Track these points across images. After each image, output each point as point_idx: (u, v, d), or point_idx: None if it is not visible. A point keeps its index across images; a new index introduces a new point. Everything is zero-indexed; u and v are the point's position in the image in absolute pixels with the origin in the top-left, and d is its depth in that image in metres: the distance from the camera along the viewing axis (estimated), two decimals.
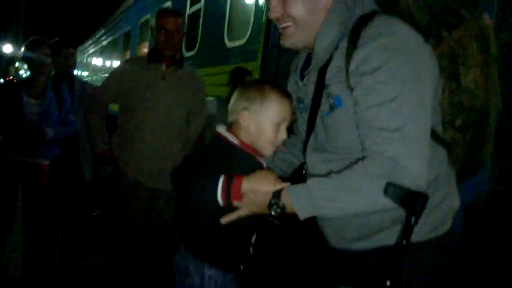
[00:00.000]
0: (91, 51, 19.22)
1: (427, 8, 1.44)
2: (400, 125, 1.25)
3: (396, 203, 1.26)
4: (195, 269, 1.56)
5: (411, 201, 1.24)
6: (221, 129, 1.60)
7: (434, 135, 1.38)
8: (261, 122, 1.54)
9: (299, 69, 1.63)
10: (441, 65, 1.41)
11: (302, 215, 1.35)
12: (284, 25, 1.47)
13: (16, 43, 32.23)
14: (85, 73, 20.55)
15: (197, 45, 6.60)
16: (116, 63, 13.20)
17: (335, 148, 1.44)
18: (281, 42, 1.51)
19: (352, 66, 1.32)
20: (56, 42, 4.18)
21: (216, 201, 1.40)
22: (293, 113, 1.63)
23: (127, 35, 11.74)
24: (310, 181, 1.37)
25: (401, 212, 1.29)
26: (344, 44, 1.38)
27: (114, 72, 3.55)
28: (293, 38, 1.47)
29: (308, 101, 1.54)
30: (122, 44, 12.36)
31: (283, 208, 1.37)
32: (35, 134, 3.63)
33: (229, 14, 5.67)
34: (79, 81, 4.45)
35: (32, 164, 3.80)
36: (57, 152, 3.94)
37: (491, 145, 1.55)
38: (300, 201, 1.34)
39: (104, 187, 4.14)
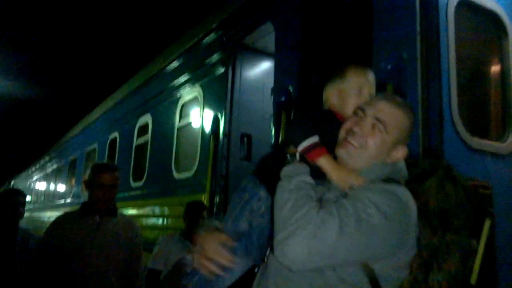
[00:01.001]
0: (35, 177, 18.77)
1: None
2: None
3: None
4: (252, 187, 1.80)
5: None
6: None
7: None
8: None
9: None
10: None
11: None
12: (352, 142, 1.62)
13: None
14: (28, 198, 19.86)
15: (144, 176, 6.60)
16: (61, 188, 12.90)
17: None
18: (339, 151, 1.65)
19: None
20: (7, 192, 4.14)
21: (298, 144, 1.64)
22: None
23: (72, 163, 11.65)
24: None
25: None
26: None
27: (49, 233, 3.35)
28: (350, 159, 1.62)
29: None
30: (67, 171, 12.20)
31: None
32: None
33: (176, 146, 5.79)
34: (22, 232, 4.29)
35: None
36: None
37: None
38: None
39: None
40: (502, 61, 3.27)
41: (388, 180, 1.56)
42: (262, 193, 1.77)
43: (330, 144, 1.70)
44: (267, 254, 1.66)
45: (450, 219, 1.59)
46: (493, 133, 3.19)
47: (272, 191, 1.67)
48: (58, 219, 3.38)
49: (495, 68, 3.32)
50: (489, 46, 3.33)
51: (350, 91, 1.79)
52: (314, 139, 1.64)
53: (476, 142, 2.87)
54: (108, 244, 3.21)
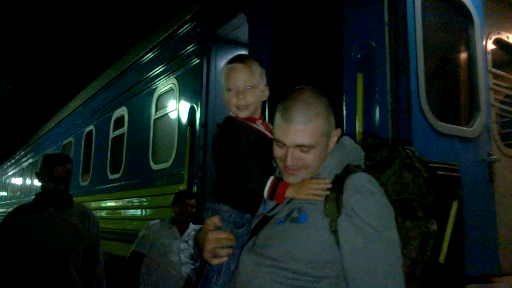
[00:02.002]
0: (10, 172, 18.48)
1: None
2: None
3: None
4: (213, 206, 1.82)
5: None
6: None
7: None
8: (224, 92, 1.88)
9: None
10: None
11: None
12: (298, 171, 1.63)
13: None
14: (4, 193, 19.61)
15: (122, 168, 6.60)
16: (38, 182, 12.70)
17: (270, 254, 1.56)
18: (286, 178, 1.65)
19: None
20: None
21: (261, 192, 1.66)
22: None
23: None
24: None
25: None
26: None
27: (3, 227, 3.21)
28: (299, 178, 1.64)
29: (271, 206, 1.70)
30: None
31: None
32: None
33: (153, 138, 5.80)
34: None
35: None
36: None
37: None
38: None
39: None
40: (469, 48, 3.38)
41: (351, 169, 1.62)
42: (224, 207, 1.80)
43: (264, 151, 1.78)
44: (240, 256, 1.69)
45: (409, 207, 1.64)
46: (461, 118, 3.30)
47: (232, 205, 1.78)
48: (12, 212, 3.27)
49: (462, 55, 3.43)
50: (456, 34, 3.44)
51: (224, 91, 1.88)
52: (269, 180, 1.66)
53: (444, 127, 2.98)
54: (64, 236, 3.16)
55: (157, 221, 4.44)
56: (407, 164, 1.71)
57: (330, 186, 1.57)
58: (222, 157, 1.77)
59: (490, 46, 3.67)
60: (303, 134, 1.58)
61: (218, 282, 1.74)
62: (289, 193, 1.63)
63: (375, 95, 2.85)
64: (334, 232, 1.50)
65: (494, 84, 3.58)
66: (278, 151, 1.65)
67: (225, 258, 1.71)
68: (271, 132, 1.79)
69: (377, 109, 2.83)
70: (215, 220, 1.75)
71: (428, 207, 1.69)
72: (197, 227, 4.36)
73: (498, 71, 3.66)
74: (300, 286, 1.50)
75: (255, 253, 1.61)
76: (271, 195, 1.65)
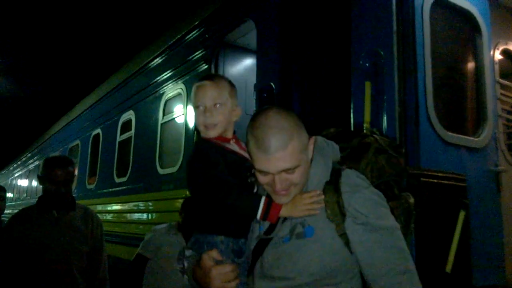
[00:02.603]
0: (16, 174, 18.58)
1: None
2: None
3: None
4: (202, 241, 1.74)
5: None
6: None
7: None
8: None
9: None
10: None
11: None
12: (285, 192, 1.61)
13: None
14: (10, 194, 19.70)
15: (128, 172, 6.63)
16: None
17: (284, 274, 1.56)
18: (280, 200, 1.61)
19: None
20: None
21: (254, 214, 1.61)
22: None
23: None
24: None
25: None
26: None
27: (8, 231, 3.22)
28: (290, 197, 1.62)
29: (266, 226, 1.68)
30: None
31: None
32: None
33: (160, 142, 5.83)
34: None
35: None
36: None
37: None
38: None
39: None
40: (476, 58, 3.39)
41: (338, 169, 1.65)
42: (218, 237, 1.73)
43: (242, 171, 1.73)
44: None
45: (389, 189, 1.68)
46: (468, 128, 3.30)
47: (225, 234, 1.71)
48: (16, 215, 3.28)
49: (469, 65, 3.43)
50: (463, 44, 3.44)
51: (194, 109, 1.83)
52: (261, 200, 1.61)
53: (452, 137, 2.98)
54: (68, 239, 3.15)
55: (163, 225, 4.43)
56: (379, 149, 1.75)
57: (322, 197, 1.58)
58: (205, 183, 1.65)
59: (498, 56, 3.68)
60: (284, 159, 1.55)
61: None
62: (284, 212, 1.60)
63: (383, 103, 2.85)
64: (342, 235, 1.53)
65: (502, 94, 3.59)
66: (263, 179, 1.61)
67: None
68: (245, 149, 1.73)
69: (385, 118, 2.83)
70: (214, 254, 1.66)
71: (403, 183, 1.74)
72: None
73: (505, 82, 3.67)
74: None
75: (267, 278, 1.61)
76: (264, 216, 1.61)
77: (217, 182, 1.64)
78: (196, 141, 1.85)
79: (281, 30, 3.81)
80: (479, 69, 3.35)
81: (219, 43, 4.88)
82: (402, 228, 1.62)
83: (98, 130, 8.32)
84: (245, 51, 5.12)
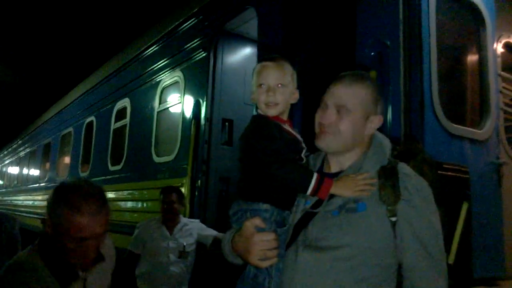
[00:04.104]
0: (7, 161, 18.42)
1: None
2: None
3: None
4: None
5: None
6: None
7: None
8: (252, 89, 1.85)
9: (316, 169, 1.83)
10: None
11: None
12: (328, 131, 1.71)
13: None
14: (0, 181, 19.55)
15: (123, 160, 6.57)
16: (35, 172, 12.70)
17: (331, 244, 1.58)
18: (318, 142, 1.74)
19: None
20: None
21: (306, 188, 1.64)
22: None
23: (46, 147, 11.48)
24: None
25: None
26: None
27: None
28: (328, 144, 1.72)
29: (313, 200, 1.71)
30: (41, 155, 12.03)
31: None
32: None
33: (156, 130, 5.78)
34: None
35: None
36: None
37: None
38: None
39: None
40: (480, 50, 3.38)
41: (392, 163, 1.68)
42: (264, 205, 1.74)
43: (296, 152, 1.78)
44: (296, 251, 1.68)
45: None
46: (471, 120, 3.30)
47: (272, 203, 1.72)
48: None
49: (474, 57, 3.42)
50: (468, 36, 3.43)
51: (254, 89, 1.85)
52: (313, 176, 1.66)
53: (455, 128, 2.98)
54: None
55: (147, 221, 4.39)
56: (425, 159, 1.83)
57: (375, 181, 1.62)
58: (262, 155, 1.70)
59: (500, 49, 3.67)
60: (345, 96, 1.69)
61: (271, 285, 1.68)
62: (335, 190, 1.65)
63: (388, 93, 2.83)
64: (391, 217, 1.56)
65: (503, 87, 3.59)
66: (318, 114, 1.74)
67: (275, 259, 1.66)
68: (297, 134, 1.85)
69: (390, 108, 2.82)
70: (257, 221, 1.68)
71: (440, 197, 1.75)
72: (188, 220, 4.35)
73: (507, 75, 3.67)
74: (369, 277, 1.55)
75: (313, 248, 1.62)
76: (315, 192, 1.66)
77: (274, 155, 1.68)
78: (254, 116, 1.86)
79: (283, 18, 3.77)
80: (482, 62, 3.35)
81: (218, 31, 4.83)
82: None
83: (92, 118, 8.24)
84: (244, 39, 5.08)
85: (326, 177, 1.67)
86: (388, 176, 1.61)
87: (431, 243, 1.56)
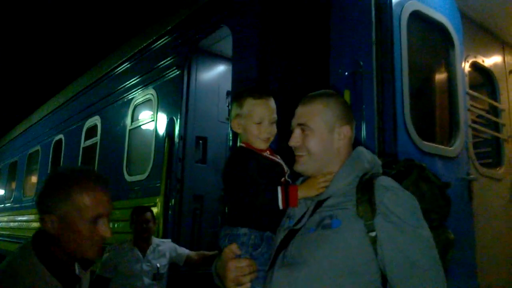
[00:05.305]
0: None
1: None
2: None
3: None
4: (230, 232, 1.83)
5: None
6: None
7: None
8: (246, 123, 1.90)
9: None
10: None
11: None
12: (300, 154, 1.76)
13: None
14: None
15: None
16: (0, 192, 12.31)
17: (304, 261, 1.58)
18: (294, 167, 1.79)
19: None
20: None
21: (276, 204, 1.72)
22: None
23: (12, 166, 11.16)
24: None
25: None
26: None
27: None
28: (304, 166, 1.76)
29: (296, 219, 1.74)
30: (7, 174, 11.67)
31: None
32: None
33: (128, 148, 5.70)
34: None
35: None
36: None
37: None
38: None
39: None
40: (449, 70, 3.48)
41: (374, 174, 1.68)
42: (242, 230, 1.81)
43: (275, 176, 1.86)
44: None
45: (427, 217, 1.66)
46: (442, 137, 3.38)
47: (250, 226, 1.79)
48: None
49: (443, 76, 3.53)
50: (438, 56, 3.53)
51: (249, 122, 1.91)
52: (278, 190, 1.74)
53: (427, 146, 3.04)
54: None
55: (118, 244, 4.25)
56: (423, 176, 1.81)
57: (332, 174, 1.70)
58: (233, 182, 1.80)
59: (467, 68, 3.80)
60: (305, 113, 1.76)
61: None
62: (301, 193, 1.72)
63: (362, 113, 2.88)
64: (369, 233, 1.55)
65: (471, 105, 3.70)
66: (290, 140, 1.79)
67: (249, 285, 1.71)
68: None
69: (364, 127, 2.86)
70: (233, 248, 1.75)
71: (444, 218, 1.78)
72: (160, 241, 4.28)
73: (475, 93, 3.79)
74: None
75: (288, 266, 1.62)
76: (286, 203, 1.73)
77: (242, 182, 1.77)
78: (236, 148, 1.98)
79: (258, 37, 3.80)
80: (452, 80, 3.44)
81: (192, 48, 4.83)
82: None
83: (61, 136, 8.07)
84: (219, 57, 5.10)
85: (291, 185, 1.77)
86: (364, 191, 1.61)
87: (419, 255, 1.51)
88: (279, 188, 1.73)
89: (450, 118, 3.40)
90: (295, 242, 1.65)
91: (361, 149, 1.80)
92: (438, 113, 3.50)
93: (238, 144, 2.00)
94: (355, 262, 1.54)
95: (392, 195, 1.58)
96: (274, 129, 1.92)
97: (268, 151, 1.95)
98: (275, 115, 1.93)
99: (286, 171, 1.90)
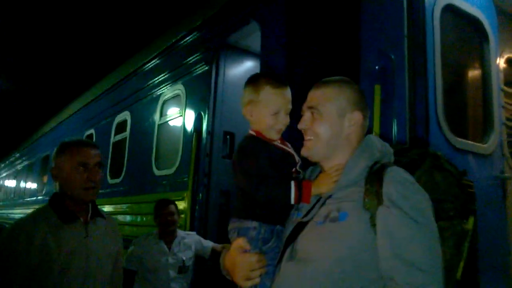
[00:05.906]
0: (4, 174, 18.32)
1: None
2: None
3: None
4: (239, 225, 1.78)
5: None
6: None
7: None
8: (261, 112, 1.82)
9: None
10: None
11: None
12: (308, 138, 1.72)
13: None
14: None
15: (123, 173, 6.53)
16: (32, 185, 12.62)
17: (311, 255, 1.54)
18: (302, 151, 1.75)
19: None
20: None
21: (288, 199, 1.66)
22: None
23: (45, 160, 11.42)
24: None
25: None
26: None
27: (24, 248, 2.17)
28: (311, 151, 1.72)
29: (304, 212, 1.70)
30: (39, 168, 11.96)
31: None
32: None
33: (157, 143, 5.75)
34: None
35: None
36: None
37: None
38: None
39: None
40: (483, 65, 3.39)
41: (386, 163, 1.62)
42: (252, 223, 1.75)
43: (287, 167, 1.80)
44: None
45: (441, 208, 1.62)
46: (475, 134, 3.29)
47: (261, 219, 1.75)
48: (34, 227, 2.20)
49: (477, 72, 3.43)
50: (472, 51, 3.44)
51: (264, 112, 1.82)
52: (291, 185, 1.68)
53: (460, 142, 2.97)
54: (96, 258, 2.37)
55: (144, 236, 4.28)
56: (437, 165, 1.73)
57: (341, 170, 1.64)
58: (244, 173, 1.73)
59: (502, 64, 3.69)
60: (316, 97, 1.72)
61: None
62: (315, 190, 1.67)
63: (393, 107, 2.83)
64: (375, 225, 1.49)
65: (506, 102, 3.59)
66: (300, 121, 1.76)
67: (258, 280, 1.67)
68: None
69: (395, 122, 2.81)
70: (242, 243, 1.71)
71: (460, 207, 1.69)
72: (185, 233, 4.30)
73: (510, 90, 3.68)
74: None
75: (296, 261, 1.58)
76: (298, 199, 1.67)
77: (255, 173, 1.71)
78: (245, 137, 1.87)
79: (286, 32, 3.78)
80: (486, 76, 3.35)
81: (221, 44, 4.84)
82: (449, 251, 1.59)
83: (91, 130, 8.22)
84: (247, 53, 5.10)
85: (304, 181, 1.70)
86: (373, 182, 1.54)
87: (417, 254, 1.42)
88: (292, 184, 1.67)
89: (484, 115, 3.31)
90: (304, 235, 1.62)
91: (371, 137, 1.74)
92: (471, 109, 3.41)
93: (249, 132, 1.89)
94: (361, 257, 1.48)
95: (400, 187, 1.50)
96: (288, 120, 1.85)
97: (279, 140, 1.89)
98: (290, 106, 1.86)
99: (297, 161, 1.84)
